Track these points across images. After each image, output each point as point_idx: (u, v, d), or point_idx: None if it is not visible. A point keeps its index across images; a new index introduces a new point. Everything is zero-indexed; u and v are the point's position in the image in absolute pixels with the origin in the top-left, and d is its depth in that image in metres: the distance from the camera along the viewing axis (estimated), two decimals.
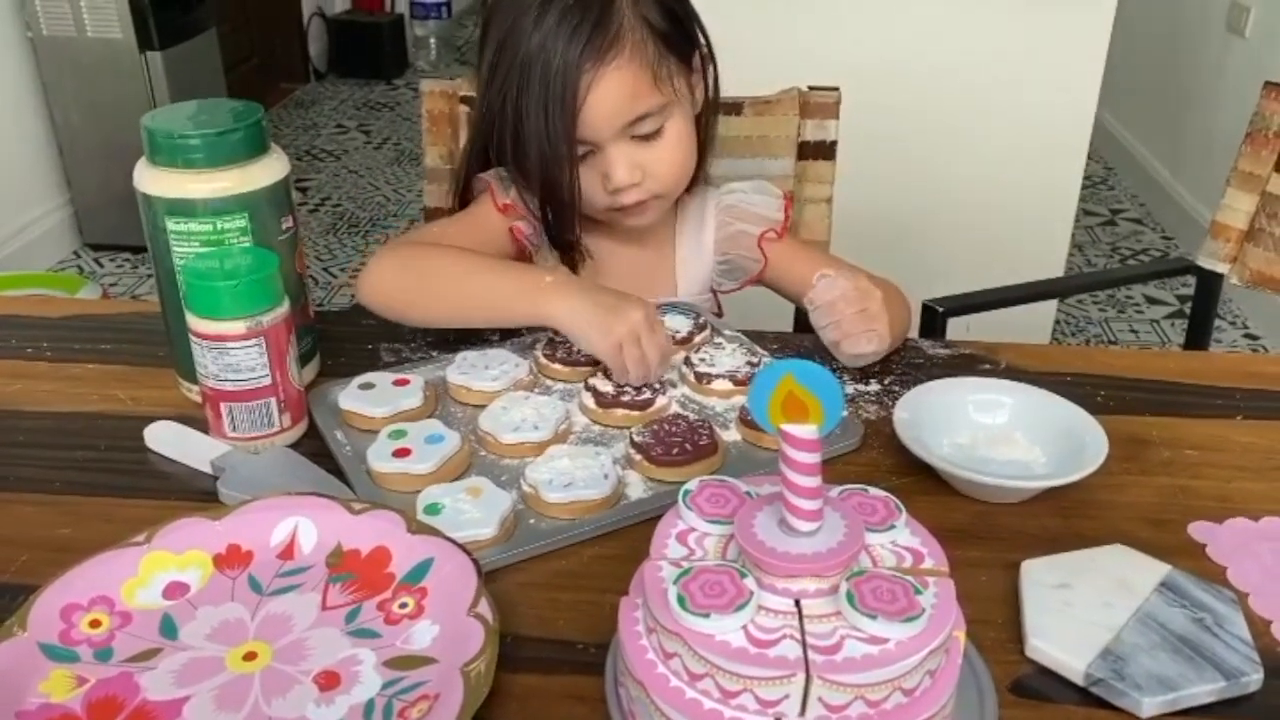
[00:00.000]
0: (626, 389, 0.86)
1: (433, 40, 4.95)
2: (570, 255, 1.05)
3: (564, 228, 1.02)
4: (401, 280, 0.95)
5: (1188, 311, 1.97)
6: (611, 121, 0.95)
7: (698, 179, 1.11)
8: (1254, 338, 2.66)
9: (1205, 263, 1.38)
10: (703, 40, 1.03)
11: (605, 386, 0.87)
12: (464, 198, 1.09)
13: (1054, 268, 2.10)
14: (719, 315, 1.14)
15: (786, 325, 1.26)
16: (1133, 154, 3.61)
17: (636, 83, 0.94)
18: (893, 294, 1.01)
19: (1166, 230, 3.26)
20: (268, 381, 0.80)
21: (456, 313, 0.95)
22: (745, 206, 1.09)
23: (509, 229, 1.03)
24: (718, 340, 0.96)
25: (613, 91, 0.93)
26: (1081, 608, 0.65)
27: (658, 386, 0.88)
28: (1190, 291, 1.47)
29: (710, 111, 1.07)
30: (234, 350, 0.78)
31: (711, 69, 1.04)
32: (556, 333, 0.95)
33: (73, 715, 0.58)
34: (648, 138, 0.98)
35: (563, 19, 0.92)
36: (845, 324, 0.89)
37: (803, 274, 1.08)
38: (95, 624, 0.63)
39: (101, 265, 2.98)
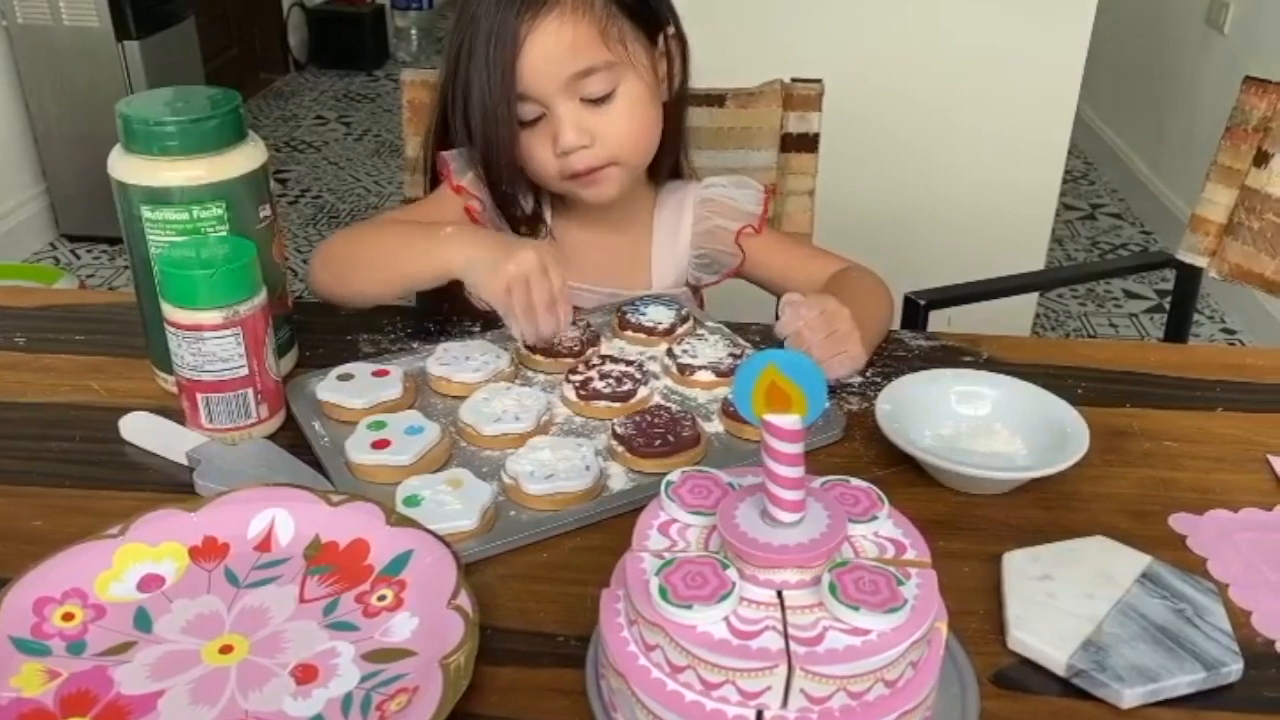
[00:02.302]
0: (608, 380, 0.86)
1: (414, 31, 4.92)
2: (533, 235, 1.05)
3: (510, 197, 1.00)
4: (335, 263, 0.97)
5: (1166, 306, 1.98)
6: (551, 74, 0.93)
7: (675, 170, 1.10)
8: (1231, 332, 2.68)
9: (1185, 256, 1.39)
10: (673, 23, 1.01)
11: (584, 378, 0.86)
12: (433, 179, 1.08)
13: (1034, 262, 2.11)
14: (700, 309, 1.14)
15: (769, 317, 1.25)
16: (1113, 149, 3.62)
17: (577, 34, 0.92)
18: (872, 286, 1.01)
19: (1146, 225, 3.28)
20: (244, 372, 0.79)
21: (382, 285, 0.94)
22: (724, 200, 1.08)
23: (464, 209, 1.02)
24: (700, 332, 0.95)
25: (550, 42, 0.92)
26: (1063, 599, 0.65)
27: (560, 342, 0.87)
28: (1169, 286, 1.48)
29: (680, 101, 1.05)
30: (210, 340, 0.77)
31: (681, 56, 1.03)
32: None
33: (45, 709, 0.57)
34: (598, 102, 0.95)
35: None
36: (815, 351, 0.84)
37: (782, 267, 1.08)
38: (68, 617, 0.62)
39: (78, 257, 2.95)
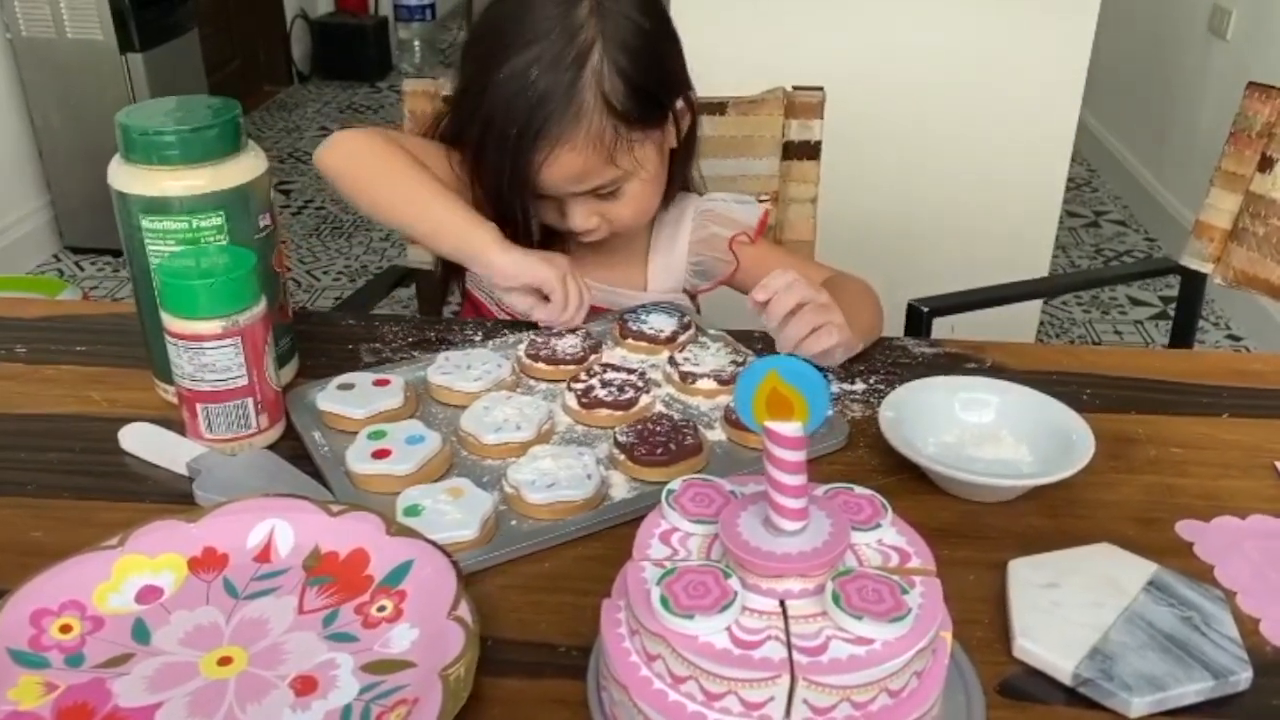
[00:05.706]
0: (610, 389, 0.85)
1: (416, 43, 4.93)
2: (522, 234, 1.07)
3: (516, 236, 1.02)
4: (366, 165, 1.01)
5: (1171, 313, 1.97)
6: (563, 189, 0.98)
7: (672, 192, 1.11)
8: (1236, 338, 2.67)
9: (1189, 263, 1.38)
10: (684, 94, 1.02)
11: (586, 386, 0.86)
12: None
13: (1038, 269, 2.10)
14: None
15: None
16: (1116, 156, 3.62)
17: (588, 163, 0.96)
18: (862, 292, 1.01)
19: (1149, 232, 3.27)
20: (244, 382, 0.79)
21: (396, 220, 1.03)
22: (722, 211, 1.10)
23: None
24: (702, 340, 0.95)
25: (561, 172, 0.96)
26: (1069, 607, 0.64)
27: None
28: (1173, 293, 1.47)
29: (688, 143, 1.07)
30: (210, 350, 0.77)
31: (689, 110, 1.04)
32: (538, 333, 0.94)
33: None
34: (608, 195, 1.00)
35: (536, 79, 0.93)
36: (804, 317, 0.85)
37: None
38: (66, 629, 0.62)
39: (82, 268, 2.95)
